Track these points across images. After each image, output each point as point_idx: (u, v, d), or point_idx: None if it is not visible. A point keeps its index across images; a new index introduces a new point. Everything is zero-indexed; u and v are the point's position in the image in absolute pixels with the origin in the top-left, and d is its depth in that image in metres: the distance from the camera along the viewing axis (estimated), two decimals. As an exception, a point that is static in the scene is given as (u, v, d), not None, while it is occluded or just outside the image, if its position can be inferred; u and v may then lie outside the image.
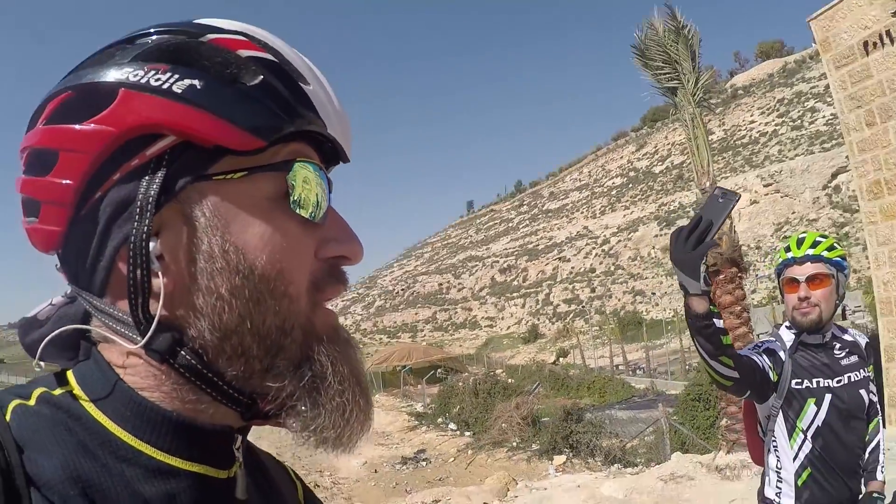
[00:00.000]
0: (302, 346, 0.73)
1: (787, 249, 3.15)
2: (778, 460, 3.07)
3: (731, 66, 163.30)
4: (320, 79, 0.75)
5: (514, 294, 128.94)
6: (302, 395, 0.71)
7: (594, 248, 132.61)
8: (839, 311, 3.15)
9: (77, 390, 0.70)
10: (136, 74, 0.66)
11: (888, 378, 10.14)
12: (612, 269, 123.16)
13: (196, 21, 0.73)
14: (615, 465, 12.78)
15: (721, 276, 11.50)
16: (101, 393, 0.69)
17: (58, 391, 0.70)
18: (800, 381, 3.00)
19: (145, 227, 0.66)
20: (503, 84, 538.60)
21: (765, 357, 3.01)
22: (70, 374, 0.72)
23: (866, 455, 3.11)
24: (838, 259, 3.05)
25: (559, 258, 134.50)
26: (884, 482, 3.11)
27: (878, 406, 3.25)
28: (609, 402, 26.05)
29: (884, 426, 3.28)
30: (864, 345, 3.21)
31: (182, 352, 0.68)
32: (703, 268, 2.55)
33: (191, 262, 0.69)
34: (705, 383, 15.24)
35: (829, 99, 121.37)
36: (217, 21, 0.73)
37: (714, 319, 2.70)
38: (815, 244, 3.08)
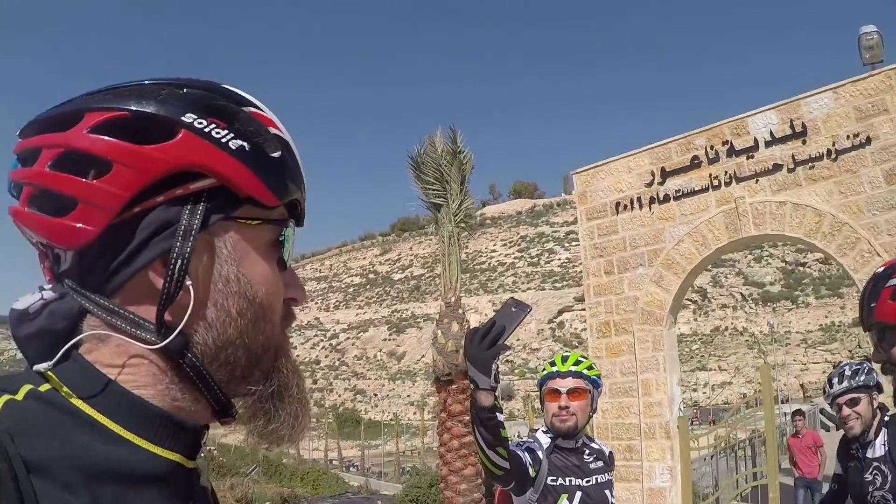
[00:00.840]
0: (273, 360, 0.90)
1: (552, 364, 3.52)
2: None
3: (485, 196, 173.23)
4: (299, 156, 0.94)
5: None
6: (270, 398, 0.89)
7: (322, 341, 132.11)
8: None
9: (64, 389, 0.76)
10: (200, 123, 0.81)
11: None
12: (337, 364, 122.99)
13: (230, 88, 0.89)
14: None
15: (454, 386, 11.66)
16: (91, 391, 0.77)
17: (44, 387, 0.76)
18: (555, 478, 3.37)
19: (188, 247, 0.79)
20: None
21: (526, 454, 3.34)
22: (51, 374, 0.77)
23: None
24: (595, 377, 3.50)
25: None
26: None
27: None
28: (322, 495, 25.79)
29: None
30: (608, 453, 3.70)
31: (188, 354, 0.81)
32: (494, 366, 2.75)
33: (212, 283, 0.83)
34: (423, 486, 15.74)
35: (567, 244, 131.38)
36: (246, 94, 0.90)
37: (497, 413, 2.88)
38: (577, 363, 3.49)
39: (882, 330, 1.97)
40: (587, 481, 3.41)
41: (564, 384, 3.44)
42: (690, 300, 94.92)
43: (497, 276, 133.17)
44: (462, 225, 14.69)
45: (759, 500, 11.69)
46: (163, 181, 0.79)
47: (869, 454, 3.83)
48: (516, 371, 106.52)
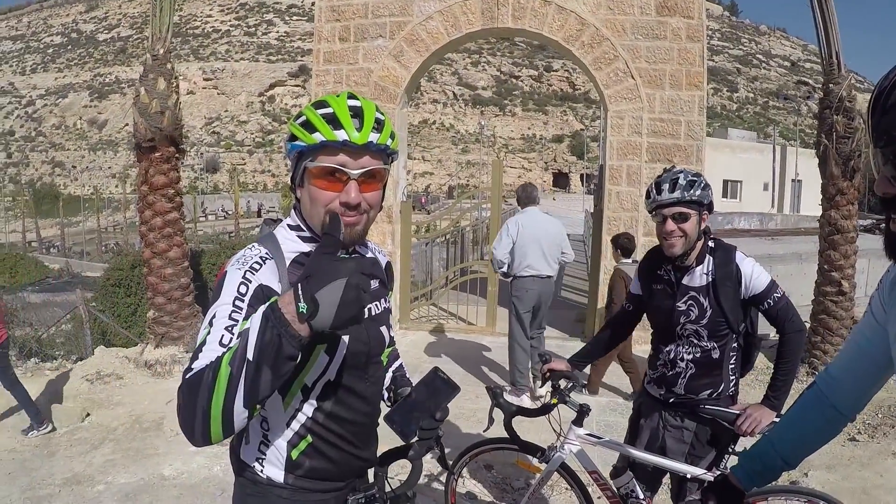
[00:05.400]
0: None
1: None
2: None
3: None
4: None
5: None
6: None
7: (17, 108, 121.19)
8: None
9: None
10: None
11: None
12: (34, 134, 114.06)
13: None
14: (33, 358, 11.17)
15: (157, 154, 9.63)
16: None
17: None
18: None
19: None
20: None
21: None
22: None
23: None
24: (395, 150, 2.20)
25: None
26: None
27: None
28: (21, 283, 22.97)
29: None
30: (384, 264, 2.27)
31: None
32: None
33: None
34: (126, 267, 14.02)
35: (287, 18, 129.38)
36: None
37: None
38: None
39: None
40: None
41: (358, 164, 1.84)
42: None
43: (210, 44, 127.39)
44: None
45: (478, 291, 12.07)
46: None
47: (686, 281, 3.31)
48: (223, 143, 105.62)
